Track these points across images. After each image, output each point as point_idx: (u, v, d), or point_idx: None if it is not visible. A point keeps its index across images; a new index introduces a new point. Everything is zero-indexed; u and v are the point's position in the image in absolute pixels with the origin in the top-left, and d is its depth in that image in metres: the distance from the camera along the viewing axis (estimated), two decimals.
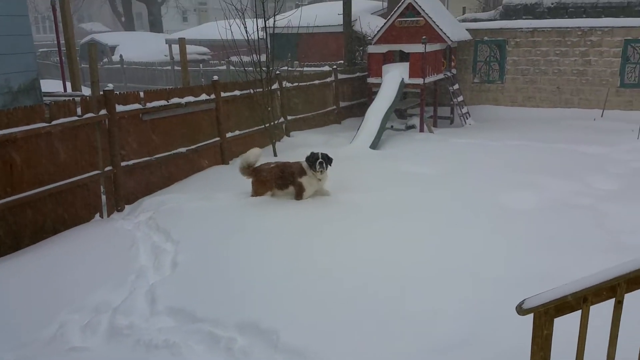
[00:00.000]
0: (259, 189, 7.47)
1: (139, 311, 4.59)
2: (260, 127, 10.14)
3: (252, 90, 9.85)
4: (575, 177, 7.95)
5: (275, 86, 10.67)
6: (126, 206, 7.44)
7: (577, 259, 5.15)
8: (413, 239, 5.85)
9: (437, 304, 4.43)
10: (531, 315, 2.76)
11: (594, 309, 2.70)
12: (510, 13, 17.12)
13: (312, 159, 7.26)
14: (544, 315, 2.71)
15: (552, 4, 16.75)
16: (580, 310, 2.71)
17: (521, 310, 2.73)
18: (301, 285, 4.84)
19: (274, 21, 9.65)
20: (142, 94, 7.72)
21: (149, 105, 7.73)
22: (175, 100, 8.21)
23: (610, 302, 2.68)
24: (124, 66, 21.81)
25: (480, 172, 8.44)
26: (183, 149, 8.45)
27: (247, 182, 7.80)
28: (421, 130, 12.23)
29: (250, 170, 7.49)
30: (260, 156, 7.59)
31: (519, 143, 10.45)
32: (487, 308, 4.27)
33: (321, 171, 7.24)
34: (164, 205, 7.27)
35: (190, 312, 4.48)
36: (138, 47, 24.97)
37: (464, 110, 13.08)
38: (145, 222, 6.77)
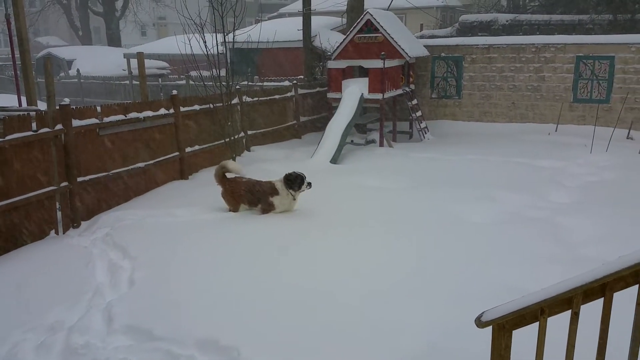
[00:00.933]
0: (230, 201, 7.42)
1: (95, 330, 4.46)
2: (220, 141, 10.04)
3: (211, 105, 9.76)
4: (531, 191, 8.13)
5: (235, 101, 10.61)
6: (82, 222, 7.22)
7: (535, 271, 5.25)
8: (374, 252, 5.85)
9: (400, 316, 4.43)
10: (490, 328, 2.77)
11: (552, 321, 2.73)
12: (466, 30, 17.64)
13: (297, 179, 7.20)
14: (502, 328, 2.73)
15: (507, 21, 17.36)
16: (538, 322, 2.74)
17: (480, 323, 2.74)
18: (262, 301, 4.77)
19: (234, 36, 9.62)
20: (99, 108, 7.55)
21: (106, 120, 7.56)
22: (133, 114, 8.05)
23: (567, 314, 2.73)
24: (81, 80, 21.34)
25: (439, 185, 8.56)
26: (141, 164, 8.27)
27: (207, 198, 7.69)
28: (381, 144, 12.35)
29: (222, 176, 7.40)
30: (239, 170, 7.54)
31: (477, 157, 10.66)
32: (448, 320, 4.28)
33: (303, 190, 7.26)
34: (122, 221, 7.09)
35: (147, 330, 4.35)
36: (96, 61, 24.53)
37: (423, 125, 13.28)
38: (102, 238, 6.58)
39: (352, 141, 12.56)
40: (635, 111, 12.32)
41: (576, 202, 7.68)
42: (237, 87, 10.96)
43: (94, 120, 7.35)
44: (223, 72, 10.00)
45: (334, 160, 10.62)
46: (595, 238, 6.16)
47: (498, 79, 13.71)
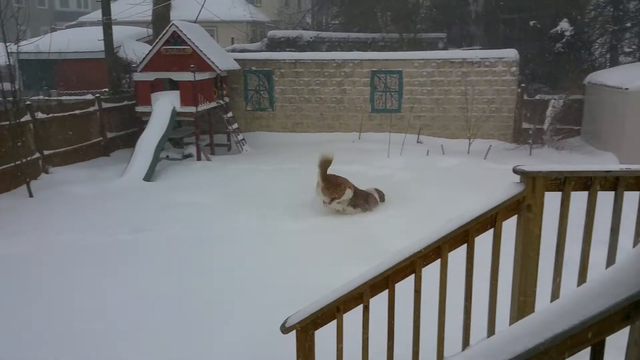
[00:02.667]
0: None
1: None
2: (9, 164, 8.94)
3: None
4: None
5: (26, 118, 9.55)
6: None
7: (347, 270, 5.58)
8: (192, 272, 5.77)
9: (213, 332, 4.42)
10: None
11: (351, 316, 2.92)
12: (275, 45, 18.29)
13: None
14: (304, 330, 2.86)
15: (311, 38, 18.40)
16: (335, 320, 2.92)
17: (285, 329, 2.86)
18: (58, 330, 4.38)
19: (18, 46, 8.64)
20: None
21: None
22: None
23: (361, 308, 2.94)
24: None
25: (256, 195, 8.76)
26: None
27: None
28: (198, 158, 12.18)
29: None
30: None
31: (291, 166, 11.11)
32: (260, 330, 4.38)
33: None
34: None
35: None
36: None
37: (240, 137, 13.43)
38: None
39: (167, 156, 12.19)
40: (421, 118, 13.95)
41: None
42: (28, 102, 9.89)
43: None
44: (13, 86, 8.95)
45: (148, 177, 10.20)
46: (396, 233, 6.77)
47: (306, 92, 14.45)
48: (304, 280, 5.42)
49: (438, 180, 9.60)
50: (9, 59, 8.67)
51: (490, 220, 2.73)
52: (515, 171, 2.74)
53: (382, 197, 8.27)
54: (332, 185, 7.78)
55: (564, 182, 2.66)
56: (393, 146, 12.13)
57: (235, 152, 13.37)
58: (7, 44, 8.46)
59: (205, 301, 5.02)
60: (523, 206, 2.68)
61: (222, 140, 13.87)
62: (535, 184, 2.64)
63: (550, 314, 1.44)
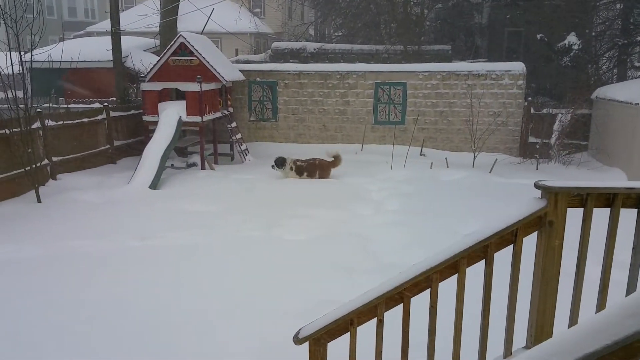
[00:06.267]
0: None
1: None
2: (19, 170, 9.00)
3: (7, 130, 8.72)
4: (342, 206, 8.75)
5: (36, 125, 9.62)
6: None
7: (350, 282, 5.64)
8: (200, 280, 5.79)
9: (228, 342, 4.43)
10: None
11: (364, 329, 2.92)
12: (278, 56, 18.42)
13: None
14: (318, 342, 2.85)
15: (315, 49, 18.53)
16: (349, 333, 2.91)
17: (297, 340, 2.84)
18: (59, 334, 4.40)
19: (32, 55, 8.73)
20: None
21: None
22: None
23: (374, 322, 2.91)
24: None
25: (260, 205, 8.77)
26: None
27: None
28: (202, 167, 12.24)
29: None
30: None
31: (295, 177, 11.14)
32: (275, 340, 4.39)
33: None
34: None
35: None
36: None
37: (243, 147, 13.48)
38: None
39: (172, 165, 12.25)
40: (425, 131, 14.00)
41: (381, 213, 8.43)
42: (38, 110, 9.96)
43: None
44: (21, 94, 9.02)
45: (154, 185, 10.24)
46: (399, 246, 6.81)
47: (309, 103, 14.52)
48: (311, 290, 5.43)
49: (443, 194, 9.61)
50: (21, 67, 8.74)
51: (510, 235, 2.72)
52: (537, 186, 2.73)
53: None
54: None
55: (587, 199, 2.66)
56: (396, 158, 12.16)
57: (238, 162, 13.42)
58: (22, 52, 8.52)
59: (214, 310, 5.02)
60: (545, 222, 2.67)
61: (225, 149, 13.93)
62: (558, 200, 2.64)
63: (582, 333, 1.42)
